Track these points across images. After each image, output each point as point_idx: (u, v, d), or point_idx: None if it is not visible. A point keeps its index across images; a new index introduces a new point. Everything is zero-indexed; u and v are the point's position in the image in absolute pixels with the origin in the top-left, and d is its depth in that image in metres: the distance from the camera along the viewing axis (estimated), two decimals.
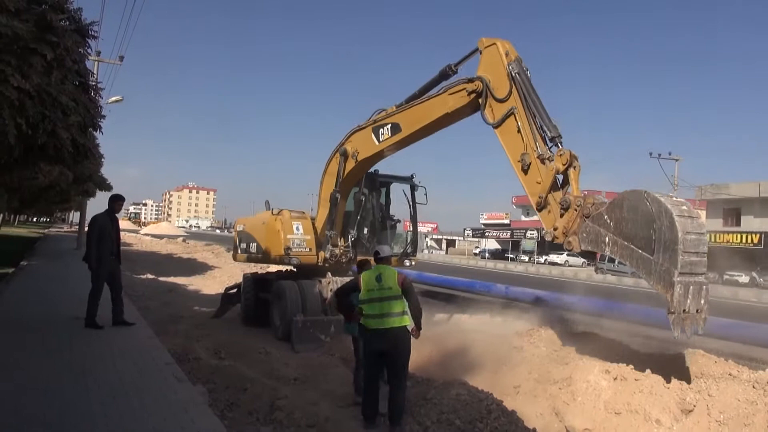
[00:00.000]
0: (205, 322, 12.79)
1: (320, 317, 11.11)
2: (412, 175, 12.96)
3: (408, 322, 6.09)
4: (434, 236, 76.10)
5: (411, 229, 13.63)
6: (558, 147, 7.53)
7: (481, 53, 8.54)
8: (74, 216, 79.82)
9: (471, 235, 74.33)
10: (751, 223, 40.31)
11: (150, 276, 21.49)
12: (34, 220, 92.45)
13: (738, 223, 41.81)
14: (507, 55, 8.08)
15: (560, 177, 7.55)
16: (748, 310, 20.17)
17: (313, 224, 12.61)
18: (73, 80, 6.80)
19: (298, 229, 12.35)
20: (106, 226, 8.86)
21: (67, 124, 6.34)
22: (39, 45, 5.11)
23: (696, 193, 45.88)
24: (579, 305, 13.52)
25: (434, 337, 10.66)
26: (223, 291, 14.72)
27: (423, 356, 9.62)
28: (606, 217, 6.76)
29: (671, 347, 9.71)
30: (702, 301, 6.57)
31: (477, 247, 71.86)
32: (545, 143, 7.71)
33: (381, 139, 10.24)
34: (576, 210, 7.15)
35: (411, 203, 12.94)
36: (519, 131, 7.82)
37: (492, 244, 68.17)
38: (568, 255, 52.66)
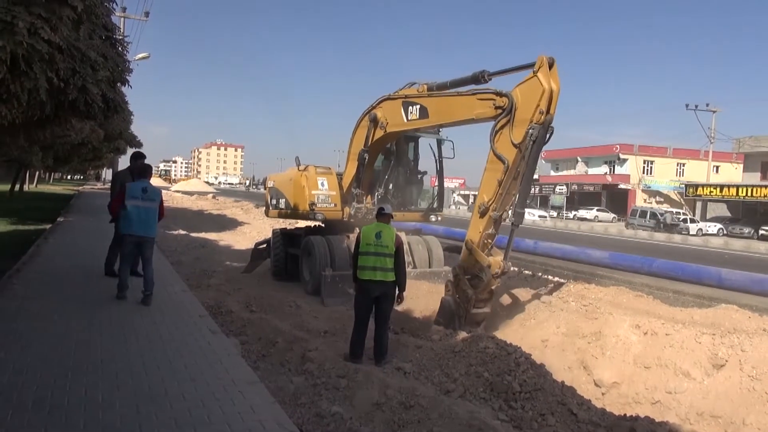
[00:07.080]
0: (237, 276, 13.05)
1: (348, 272, 11.18)
2: (438, 130, 12.60)
3: (393, 278, 6.65)
4: (462, 191, 75.24)
5: (437, 184, 13.54)
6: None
7: (534, 73, 7.55)
8: (107, 173, 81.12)
9: None
10: None
11: (182, 231, 21.89)
12: (69, 177, 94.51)
13: None
14: (541, 113, 7.39)
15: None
16: None
17: (340, 180, 12.61)
18: (100, 34, 6.80)
19: (323, 184, 12.36)
20: (127, 181, 9.16)
21: (97, 80, 6.37)
22: None
23: (734, 145, 44.32)
24: (608, 260, 13.41)
25: None
26: (253, 246, 14.96)
27: None
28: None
29: (704, 302, 9.59)
30: None
31: None
32: (507, 210, 8.11)
33: (409, 118, 10.05)
34: (470, 300, 8.36)
35: (437, 158, 12.80)
36: (499, 183, 7.84)
37: None
38: (597, 210, 51.94)
